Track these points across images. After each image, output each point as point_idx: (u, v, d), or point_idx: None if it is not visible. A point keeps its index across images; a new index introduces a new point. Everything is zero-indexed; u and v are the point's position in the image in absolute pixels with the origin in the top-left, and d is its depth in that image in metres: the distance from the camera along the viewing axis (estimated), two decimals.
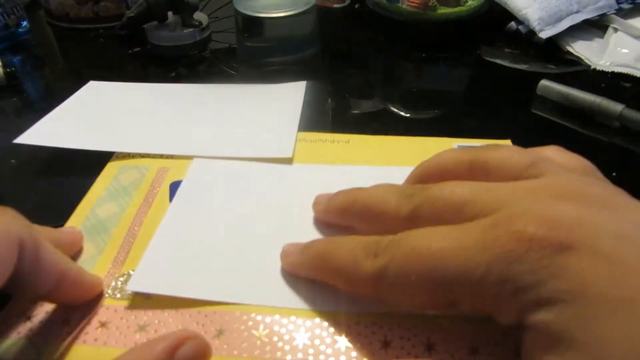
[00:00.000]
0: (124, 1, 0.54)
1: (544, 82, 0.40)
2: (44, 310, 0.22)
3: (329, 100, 0.41)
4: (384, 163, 0.32)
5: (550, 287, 0.15)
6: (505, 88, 0.44)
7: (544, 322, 0.15)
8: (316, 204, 0.27)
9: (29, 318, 0.22)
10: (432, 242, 0.18)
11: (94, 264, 0.25)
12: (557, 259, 0.15)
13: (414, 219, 0.20)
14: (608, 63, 0.44)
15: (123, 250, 0.25)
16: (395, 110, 0.41)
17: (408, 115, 0.40)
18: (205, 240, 0.26)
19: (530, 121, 0.39)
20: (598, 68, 0.44)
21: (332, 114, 0.39)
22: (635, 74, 0.43)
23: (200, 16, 0.50)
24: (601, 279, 0.15)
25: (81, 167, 0.33)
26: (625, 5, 0.50)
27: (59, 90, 0.46)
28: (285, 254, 0.24)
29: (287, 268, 0.24)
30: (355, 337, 0.21)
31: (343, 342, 0.21)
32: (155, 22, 0.49)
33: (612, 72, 0.44)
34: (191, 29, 0.49)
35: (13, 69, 0.45)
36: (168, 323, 0.22)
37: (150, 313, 0.22)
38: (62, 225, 0.27)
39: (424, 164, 0.25)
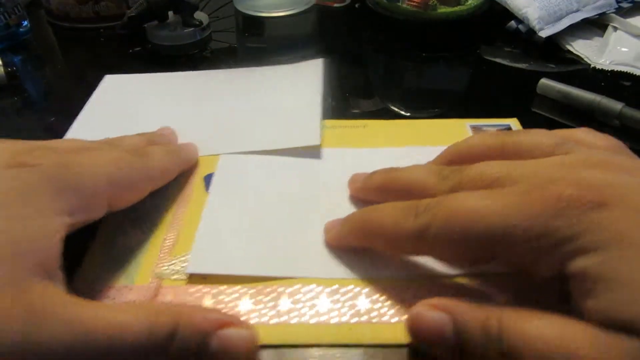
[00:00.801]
0: (125, 1, 0.54)
1: (543, 81, 0.40)
2: (104, 295, 0.24)
3: (330, 100, 0.41)
4: (402, 144, 0.34)
5: (587, 238, 0.17)
6: (505, 87, 0.44)
7: (582, 269, 0.17)
8: (353, 181, 0.29)
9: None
10: (475, 201, 0.19)
11: (144, 248, 0.26)
12: (593, 214, 0.17)
13: None
14: (608, 62, 0.45)
15: (170, 236, 0.27)
16: (395, 109, 0.41)
17: (408, 114, 0.40)
18: (249, 222, 0.28)
19: (530, 120, 0.39)
20: (598, 67, 0.44)
21: (332, 113, 0.39)
22: (634, 73, 0.43)
23: (200, 16, 0.51)
24: (634, 227, 0.17)
25: None
26: (625, 4, 0.50)
27: (59, 89, 0.46)
28: (327, 229, 0.26)
29: (331, 241, 0.26)
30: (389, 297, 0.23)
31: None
32: (155, 22, 0.49)
33: (612, 71, 0.44)
34: (191, 29, 0.49)
35: (14, 68, 0.45)
36: (225, 301, 0.23)
37: (207, 289, 0.24)
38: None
39: (455, 146, 0.26)
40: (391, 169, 0.26)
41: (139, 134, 0.31)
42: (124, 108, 0.39)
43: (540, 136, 0.23)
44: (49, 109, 0.43)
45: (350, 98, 0.42)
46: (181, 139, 0.34)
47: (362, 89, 0.41)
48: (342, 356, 0.22)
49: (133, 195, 0.26)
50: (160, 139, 0.32)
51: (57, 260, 0.20)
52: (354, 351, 0.22)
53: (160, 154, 0.28)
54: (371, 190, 0.27)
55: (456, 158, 0.26)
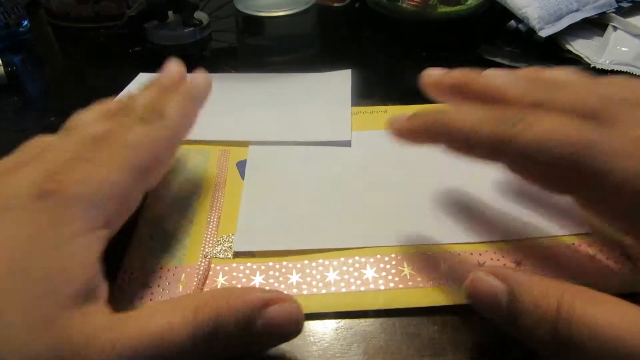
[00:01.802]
0: (125, 0, 0.54)
1: None
2: (157, 275, 0.25)
3: None
4: None
5: None
6: None
7: None
8: (394, 121, 0.25)
9: (148, 286, 0.25)
10: (573, 129, 0.19)
11: (189, 230, 0.28)
12: None
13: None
14: (608, 61, 0.44)
15: (213, 218, 0.28)
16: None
17: None
18: (286, 200, 0.29)
19: None
20: (598, 66, 0.44)
21: None
22: (634, 72, 0.43)
23: (200, 15, 0.50)
24: None
25: None
26: (625, 4, 0.50)
27: (59, 89, 0.46)
28: (392, 121, 0.24)
29: (396, 132, 0.24)
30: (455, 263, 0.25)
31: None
32: (155, 22, 0.49)
33: (612, 71, 0.44)
34: (191, 28, 0.49)
35: (14, 68, 0.45)
36: (275, 276, 0.25)
37: (255, 266, 0.26)
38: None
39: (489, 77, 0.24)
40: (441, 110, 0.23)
41: (149, 87, 0.29)
42: None
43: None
44: (48, 108, 0.43)
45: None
46: (212, 125, 0.35)
47: (362, 88, 0.41)
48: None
49: (165, 166, 0.25)
50: (171, 83, 0.29)
51: (97, 277, 0.20)
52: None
53: (177, 106, 0.26)
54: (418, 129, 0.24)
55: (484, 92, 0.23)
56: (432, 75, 0.26)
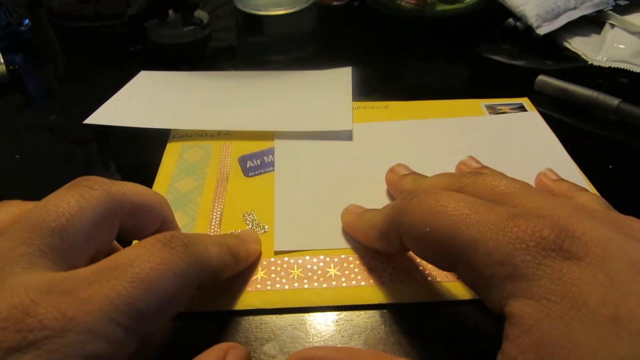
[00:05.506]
0: None
1: (541, 78, 0.40)
2: None
3: None
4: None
5: (542, 283, 0.15)
6: (503, 84, 0.44)
7: (521, 312, 0.16)
8: (392, 171, 0.30)
9: None
10: (459, 204, 0.18)
11: (191, 229, 0.28)
12: (561, 263, 0.16)
13: None
14: (605, 59, 0.45)
15: (215, 216, 0.29)
16: None
17: None
18: (319, 200, 0.30)
19: None
20: (595, 64, 0.45)
21: None
22: (631, 69, 0.43)
23: (200, 14, 0.51)
24: (596, 293, 0.15)
25: (133, 148, 0.36)
26: (622, 2, 0.50)
27: (60, 88, 0.47)
28: (346, 212, 0.27)
29: (344, 225, 0.27)
30: None
31: None
32: (156, 20, 0.50)
33: (609, 68, 0.44)
34: (192, 27, 0.49)
35: (15, 66, 0.45)
36: (277, 271, 0.25)
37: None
38: None
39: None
40: (419, 177, 0.27)
41: None
42: (153, 97, 0.40)
43: (566, 183, 0.25)
44: (50, 107, 0.43)
45: None
46: (214, 117, 0.36)
47: (362, 86, 0.42)
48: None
49: None
50: None
51: None
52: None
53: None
54: (397, 193, 0.29)
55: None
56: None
